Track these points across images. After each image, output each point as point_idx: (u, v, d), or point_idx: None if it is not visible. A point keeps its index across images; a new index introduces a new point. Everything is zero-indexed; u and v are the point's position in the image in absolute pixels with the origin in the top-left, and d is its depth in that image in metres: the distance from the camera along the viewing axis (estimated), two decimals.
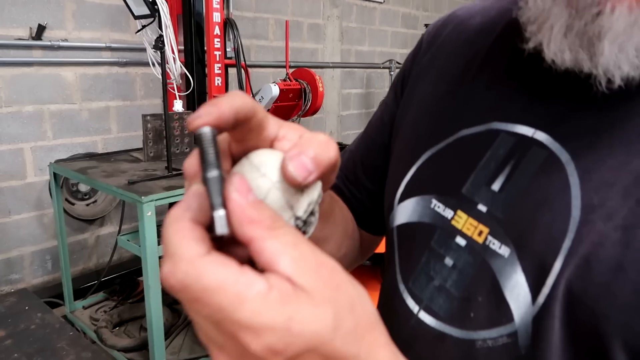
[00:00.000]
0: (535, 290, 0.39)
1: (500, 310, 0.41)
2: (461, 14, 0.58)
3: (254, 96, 3.14)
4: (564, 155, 0.41)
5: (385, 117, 0.63)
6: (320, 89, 3.40)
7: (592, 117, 0.40)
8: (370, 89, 4.86)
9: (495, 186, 0.44)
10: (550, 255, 0.39)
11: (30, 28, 2.55)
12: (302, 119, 3.64)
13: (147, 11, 1.81)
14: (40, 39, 2.57)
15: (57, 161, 2.41)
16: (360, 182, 0.65)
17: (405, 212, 0.52)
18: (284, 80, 3.40)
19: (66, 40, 2.67)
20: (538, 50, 0.41)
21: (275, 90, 3.22)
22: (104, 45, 2.82)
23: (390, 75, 4.60)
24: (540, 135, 0.43)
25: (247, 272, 0.24)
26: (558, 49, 0.39)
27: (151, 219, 1.81)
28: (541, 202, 0.41)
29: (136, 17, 1.86)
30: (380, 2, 4.66)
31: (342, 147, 3.47)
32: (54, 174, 2.34)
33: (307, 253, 0.26)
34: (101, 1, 2.79)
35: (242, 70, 2.92)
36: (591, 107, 0.41)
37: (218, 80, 2.85)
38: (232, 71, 3.01)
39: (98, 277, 2.74)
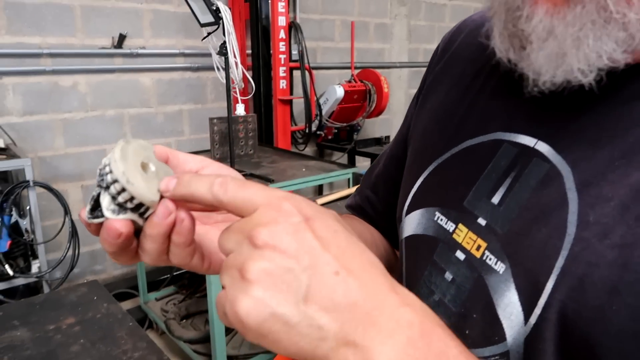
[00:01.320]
0: (527, 309, 0.38)
1: (494, 328, 0.40)
2: (477, 19, 0.57)
3: (318, 98, 3.18)
4: (564, 168, 0.39)
5: (403, 130, 0.63)
6: (385, 90, 3.38)
7: (594, 126, 0.39)
8: None
9: (495, 199, 0.43)
10: (543, 274, 0.37)
11: (113, 37, 2.75)
12: (367, 119, 3.63)
13: (212, 19, 1.89)
14: (121, 47, 2.77)
15: None
16: (384, 198, 0.65)
17: (412, 224, 0.52)
18: (349, 81, 3.41)
19: (144, 47, 2.86)
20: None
21: (339, 92, 3.24)
22: (177, 51, 2.99)
23: None
24: (542, 146, 0.41)
25: None
26: (503, 47, 0.40)
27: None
28: (538, 217, 0.39)
29: (202, 25, 1.96)
30: None
31: None
32: None
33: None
34: (175, 9, 2.96)
35: (307, 73, 2.97)
36: (593, 116, 0.39)
37: (283, 83, 2.92)
38: (297, 73, 3.07)
39: (170, 271, 2.91)
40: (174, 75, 3.03)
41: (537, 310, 0.37)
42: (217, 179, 0.31)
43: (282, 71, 2.89)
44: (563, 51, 0.35)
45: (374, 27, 4.05)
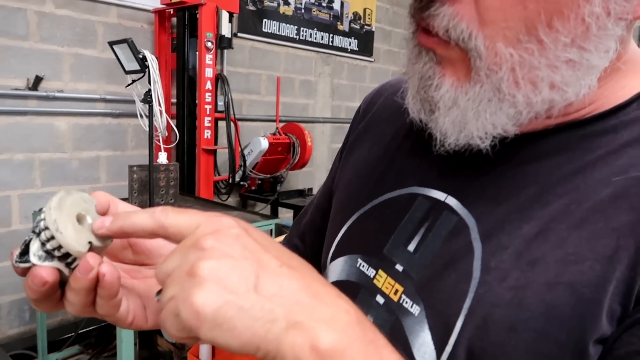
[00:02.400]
0: (439, 349, 0.41)
1: None
2: (394, 83, 0.62)
3: (242, 149, 3.20)
4: (470, 220, 0.43)
5: (328, 182, 0.66)
6: (309, 144, 3.48)
7: (493, 185, 0.44)
8: None
9: (411, 247, 0.47)
10: (452, 315, 0.40)
11: (28, 79, 2.63)
12: (290, 172, 3.69)
13: (137, 67, 1.88)
14: (37, 90, 2.65)
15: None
16: (309, 246, 0.68)
17: (335, 270, 0.54)
18: (274, 134, 3.48)
19: (62, 91, 2.75)
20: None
21: (264, 144, 3.29)
22: (98, 96, 2.91)
23: None
24: (451, 200, 0.46)
25: None
26: (416, 109, 0.44)
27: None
28: (448, 263, 0.43)
29: (127, 72, 1.94)
30: (371, 61, 4.84)
31: None
32: None
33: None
34: (99, 55, 2.90)
35: (232, 124, 3.00)
36: (492, 175, 0.44)
37: (207, 132, 2.92)
38: (223, 124, 3.09)
39: (76, 329, 2.69)
40: (93, 121, 2.93)
41: (448, 348, 0.40)
42: (158, 208, 0.34)
43: (207, 121, 2.89)
44: (465, 120, 0.40)
45: (299, 83, 4.21)
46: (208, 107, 2.88)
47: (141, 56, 1.87)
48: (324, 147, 4.56)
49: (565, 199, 0.39)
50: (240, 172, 3.18)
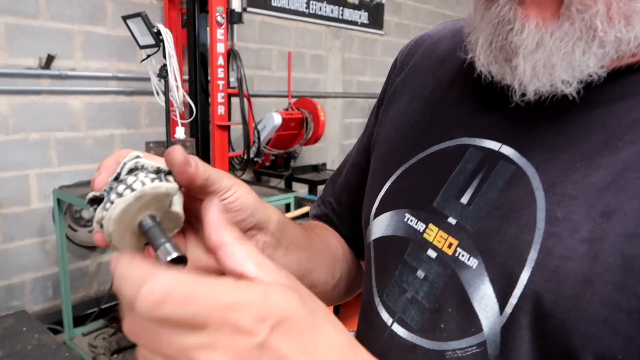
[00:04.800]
0: (502, 300, 0.40)
1: (469, 320, 0.42)
2: (433, 34, 0.61)
3: (256, 125, 3.20)
4: (529, 169, 0.42)
5: (364, 139, 0.65)
6: (322, 118, 3.46)
7: (554, 131, 0.42)
8: None
9: (464, 199, 0.45)
10: (516, 267, 0.40)
11: (40, 58, 2.62)
12: (304, 147, 3.68)
13: (152, 41, 1.87)
14: (49, 69, 2.64)
15: (62, 187, 2.44)
16: (347, 206, 0.66)
17: (380, 226, 0.53)
18: (286, 109, 3.46)
19: (74, 69, 2.75)
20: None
21: (277, 119, 3.28)
22: (110, 75, 2.90)
23: None
24: (507, 150, 0.44)
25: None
26: (486, 61, 0.42)
27: None
28: (508, 214, 0.42)
29: (141, 47, 1.92)
30: (382, 34, 4.77)
31: None
32: (58, 200, 2.37)
33: (267, 260, 0.30)
34: (109, 32, 2.88)
35: (245, 100, 2.98)
36: (553, 121, 0.42)
37: (221, 109, 2.90)
38: (235, 100, 3.07)
39: (98, 304, 2.74)
40: (106, 99, 2.92)
41: (513, 301, 0.39)
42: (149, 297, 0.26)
43: (220, 97, 2.87)
44: (551, 63, 0.38)
45: (309, 58, 4.16)
46: (221, 82, 2.86)
47: (155, 30, 1.85)
48: (336, 122, 4.54)
49: (637, 146, 0.38)
50: (255, 148, 3.18)
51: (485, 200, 0.44)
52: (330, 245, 0.62)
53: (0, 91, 2.51)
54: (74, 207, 2.71)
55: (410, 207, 0.50)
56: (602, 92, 0.40)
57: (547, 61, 0.38)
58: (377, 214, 0.54)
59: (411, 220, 0.49)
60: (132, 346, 2.35)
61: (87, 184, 2.65)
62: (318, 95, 4.21)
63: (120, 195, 0.33)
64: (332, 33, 4.31)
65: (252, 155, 3.18)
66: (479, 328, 0.42)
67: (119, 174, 0.34)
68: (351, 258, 0.66)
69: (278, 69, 3.89)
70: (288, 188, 3.44)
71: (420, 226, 0.48)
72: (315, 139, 3.54)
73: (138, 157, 0.35)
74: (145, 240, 0.34)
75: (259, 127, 3.29)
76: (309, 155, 4.21)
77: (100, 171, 0.36)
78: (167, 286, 0.26)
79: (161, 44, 1.87)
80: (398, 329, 0.48)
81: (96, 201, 0.35)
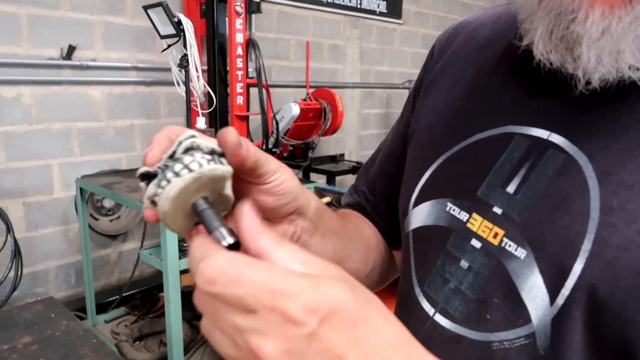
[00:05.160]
0: (553, 291, 0.39)
1: (517, 311, 0.41)
2: (472, 21, 0.59)
3: (274, 115, 3.19)
4: (581, 158, 0.41)
5: (400, 127, 0.64)
6: (340, 109, 3.44)
7: (608, 119, 0.41)
8: (390, 109, 4.89)
9: (511, 188, 0.44)
10: (569, 257, 0.39)
11: (61, 48, 2.65)
12: (322, 137, 3.67)
13: (172, 31, 1.87)
14: (70, 59, 2.67)
15: (84, 177, 2.47)
16: (380, 195, 0.66)
17: (420, 215, 0.52)
18: (305, 99, 3.44)
19: (95, 60, 2.77)
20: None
21: (295, 110, 3.26)
22: (130, 65, 2.92)
23: None
24: (556, 138, 0.43)
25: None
26: (545, 50, 0.41)
27: (173, 233, 1.84)
28: (558, 204, 0.41)
29: (162, 37, 1.93)
30: (400, 23, 4.72)
31: (360, 166, 3.46)
32: (80, 189, 2.40)
33: (310, 256, 0.30)
34: (129, 23, 2.89)
35: (264, 90, 2.98)
36: (606, 108, 0.41)
37: (240, 99, 2.90)
38: (254, 90, 3.07)
39: (120, 292, 2.78)
40: (126, 89, 2.94)
41: (565, 292, 0.39)
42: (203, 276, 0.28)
43: (239, 87, 2.87)
44: (618, 48, 0.37)
45: (327, 48, 4.14)
46: (240, 73, 2.85)
47: (176, 20, 1.85)
48: (354, 112, 4.51)
49: None
50: (273, 139, 3.17)
51: (534, 189, 0.42)
52: (364, 233, 0.62)
53: (23, 81, 2.55)
54: (96, 196, 2.75)
55: (452, 196, 0.49)
56: None
57: (613, 47, 0.37)
58: (416, 203, 0.53)
59: (454, 210, 0.48)
60: (153, 333, 2.38)
61: (109, 173, 2.68)
62: (336, 85, 4.18)
63: (177, 174, 0.32)
64: (350, 22, 4.27)
65: (270, 146, 3.18)
66: (527, 319, 0.41)
67: (174, 152, 0.34)
68: (384, 247, 0.65)
69: (296, 59, 3.87)
70: (306, 179, 3.44)
71: (464, 215, 0.47)
72: (333, 129, 3.52)
73: (193, 136, 0.34)
74: (195, 220, 0.34)
75: (277, 117, 3.28)
76: (327, 145, 4.19)
77: (152, 146, 0.35)
78: (220, 265, 0.27)
79: (182, 33, 1.87)
80: (441, 319, 0.47)
81: (147, 177, 0.34)
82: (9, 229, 2.15)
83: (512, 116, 0.47)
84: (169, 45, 1.96)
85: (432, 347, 0.45)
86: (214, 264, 0.27)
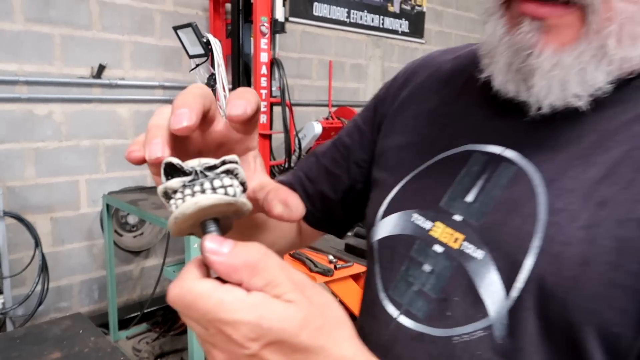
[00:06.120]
0: (508, 285, 0.44)
1: (476, 307, 0.46)
2: (436, 57, 0.66)
3: (297, 133, 3.21)
4: (530, 169, 0.47)
5: (355, 135, 0.68)
6: None
7: (553, 136, 0.47)
8: None
9: (469, 198, 0.50)
10: (521, 254, 0.44)
11: (92, 67, 2.72)
12: None
13: (201, 51, 1.90)
14: (100, 78, 2.74)
15: (110, 193, 2.51)
16: (318, 185, 0.69)
17: (387, 226, 0.57)
18: (327, 118, 3.46)
19: (123, 79, 2.83)
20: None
21: (318, 128, 3.28)
22: (157, 84, 2.97)
23: None
24: (509, 153, 0.49)
25: (228, 285, 0.31)
26: (503, 80, 0.47)
27: (197, 250, 1.85)
28: (511, 208, 0.46)
29: (191, 57, 1.97)
30: (422, 43, 4.73)
31: None
32: (107, 205, 2.44)
33: (285, 279, 0.32)
34: (157, 42, 2.96)
35: (287, 108, 3.00)
36: (551, 127, 0.47)
37: (263, 117, 2.93)
38: (277, 109, 3.10)
39: (141, 309, 2.79)
40: (153, 107, 3.00)
41: (518, 285, 0.44)
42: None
43: (262, 106, 2.90)
44: (566, 79, 0.43)
45: (349, 67, 4.17)
46: (263, 91, 2.88)
47: (205, 40, 1.89)
48: None
49: (625, 145, 0.43)
50: (295, 157, 3.18)
51: (490, 197, 0.48)
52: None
53: (55, 99, 2.61)
54: (120, 212, 2.78)
55: (418, 207, 0.54)
56: (594, 100, 0.45)
57: (562, 78, 0.43)
58: (384, 216, 0.58)
59: (418, 220, 0.53)
60: (175, 351, 2.38)
61: (134, 190, 2.72)
62: (358, 104, 4.19)
63: (214, 189, 0.33)
64: (373, 42, 4.30)
65: (292, 164, 3.19)
66: (485, 313, 0.46)
67: (215, 166, 0.34)
68: (296, 228, 0.70)
69: (318, 78, 3.90)
70: None
71: (428, 224, 0.52)
72: None
73: (237, 162, 0.35)
74: (196, 232, 0.35)
75: (300, 135, 3.30)
76: None
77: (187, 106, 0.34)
78: (180, 291, 0.31)
79: (210, 53, 1.90)
80: (404, 320, 0.51)
81: (173, 169, 0.33)
82: (37, 243, 2.18)
83: (471, 136, 0.53)
84: (197, 65, 2.00)
85: (397, 347, 0.51)
86: (176, 288, 0.31)
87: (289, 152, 3.06)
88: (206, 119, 0.37)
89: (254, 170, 0.42)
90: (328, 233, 0.74)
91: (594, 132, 0.45)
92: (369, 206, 0.62)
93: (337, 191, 0.68)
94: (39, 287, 2.17)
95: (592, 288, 0.40)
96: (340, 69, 4.06)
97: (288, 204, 0.38)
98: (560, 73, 0.43)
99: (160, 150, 0.33)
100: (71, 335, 1.18)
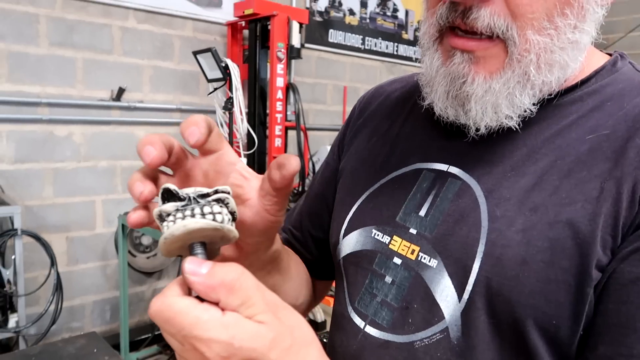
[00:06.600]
0: (460, 289, 0.49)
1: (433, 312, 0.50)
2: (386, 87, 0.72)
3: (311, 157, 3.23)
4: (472, 182, 0.52)
5: (326, 173, 0.73)
6: None
7: (489, 151, 0.53)
8: None
9: (422, 212, 0.55)
10: (469, 259, 0.48)
11: (112, 90, 2.78)
12: None
13: (219, 75, 1.94)
14: (119, 100, 2.80)
15: (126, 213, 2.53)
16: (307, 231, 0.73)
17: (349, 244, 0.60)
18: None
19: (142, 102, 2.89)
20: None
21: None
22: (175, 107, 3.03)
23: None
24: (453, 169, 0.55)
25: (206, 304, 0.33)
26: (443, 107, 0.52)
27: None
28: (458, 219, 0.51)
29: (209, 81, 2.01)
30: None
31: None
32: (122, 225, 2.46)
33: (260, 299, 0.34)
34: (175, 67, 3.03)
35: (301, 132, 3.03)
36: (488, 145, 0.53)
37: (278, 141, 2.96)
38: (291, 133, 3.13)
39: (152, 330, 2.78)
40: (170, 130, 3.04)
41: (469, 287, 0.48)
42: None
43: (277, 130, 2.94)
44: (497, 102, 0.49)
45: (363, 92, 4.20)
46: (279, 115, 2.92)
47: (223, 65, 1.93)
48: None
49: (551, 156, 0.49)
50: (309, 180, 3.20)
51: (440, 210, 0.53)
52: (301, 271, 0.69)
53: (75, 121, 2.67)
54: (134, 233, 2.80)
55: (376, 223, 0.58)
56: (522, 120, 0.51)
57: (495, 101, 0.49)
58: (345, 234, 0.61)
59: (377, 235, 0.57)
60: None
61: None
62: None
63: (203, 215, 0.36)
64: (387, 68, 4.35)
65: (306, 188, 3.20)
66: (441, 317, 0.50)
67: (207, 194, 0.37)
68: (311, 285, 0.72)
69: (333, 102, 3.94)
70: None
71: (386, 239, 0.56)
72: None
73: (229, 193, 0.38)
74: (183, 254, 0.38)
75: (314, 159, 3.32)
76: None
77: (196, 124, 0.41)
78: (160, 306, 0.33)
79: (228, 77, 1.94)
80: (371, 330, 0.55)
81: (170, 194, 0.36)
82: (53, 262, 2.20)
83: (420, 155, 0.59)
84: (215, 89, 2.04)
85: (364, 355, 0.55)
86: (157, 303, 0.33)
87: (302, 176, 3.07)
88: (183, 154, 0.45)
89: (250, 175, 0.45)
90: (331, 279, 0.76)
91: (524, 147, 0.51)
92: (332, 226, 0.66)
93: (325, 231, 0.70)
94: (52, 307, 2.17)
95: (531, 285, 0.45)
96: (354, 94, 4.10)
97: (281, 164, 0.40)
98: (492, 98, 0.48)
99: (142, 187, 0.39)
100: (85, 354, 1.18)
